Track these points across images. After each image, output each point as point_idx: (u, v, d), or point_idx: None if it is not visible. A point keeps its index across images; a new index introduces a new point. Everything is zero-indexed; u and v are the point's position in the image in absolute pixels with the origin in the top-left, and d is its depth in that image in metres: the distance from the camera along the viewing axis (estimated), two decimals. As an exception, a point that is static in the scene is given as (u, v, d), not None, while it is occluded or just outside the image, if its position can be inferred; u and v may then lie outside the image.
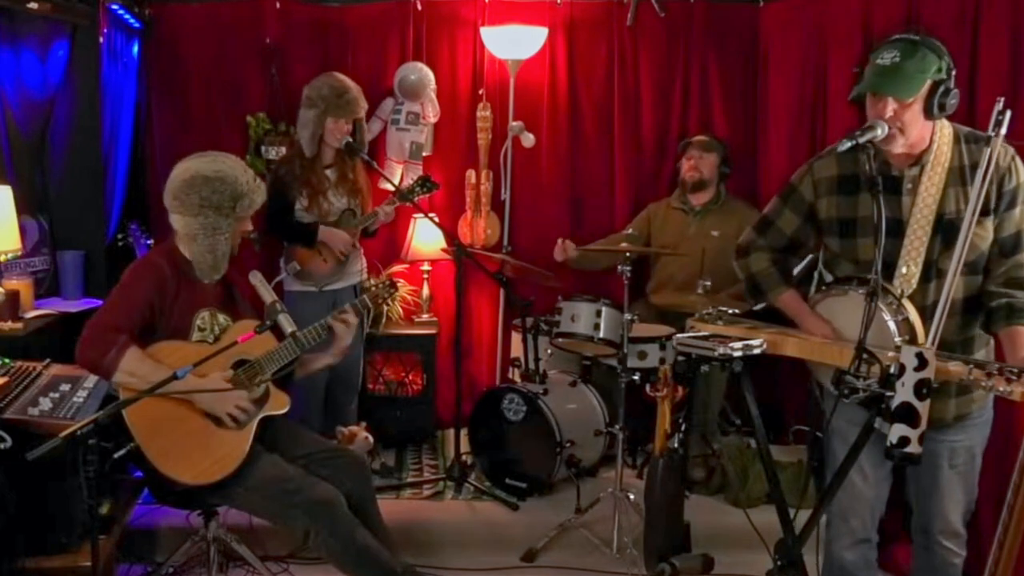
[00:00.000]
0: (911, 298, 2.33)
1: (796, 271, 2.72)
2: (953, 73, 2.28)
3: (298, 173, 3.98)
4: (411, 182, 4.25)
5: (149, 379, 2.56)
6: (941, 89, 2.26)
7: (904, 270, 2.33)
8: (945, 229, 2.33)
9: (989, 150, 2.23)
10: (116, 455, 2.64)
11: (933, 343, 2.18)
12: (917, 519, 2.59)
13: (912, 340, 2.26)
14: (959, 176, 2.35)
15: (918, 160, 2.37)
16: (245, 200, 2.86)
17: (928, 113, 2.29)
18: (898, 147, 2.33)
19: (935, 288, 2.34)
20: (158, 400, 2.68)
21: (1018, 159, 2.36)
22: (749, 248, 2.69)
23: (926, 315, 2.29)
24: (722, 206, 4.43)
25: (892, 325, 2.26)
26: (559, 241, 4.28)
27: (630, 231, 4.46)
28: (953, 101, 2.29)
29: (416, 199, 4.10)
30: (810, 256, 2.74)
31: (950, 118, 2.38)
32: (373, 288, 3.20)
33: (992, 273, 2.38)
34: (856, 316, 2.18)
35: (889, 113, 2.27)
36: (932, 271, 2.35)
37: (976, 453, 2.51)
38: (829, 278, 2.56)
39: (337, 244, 3.98)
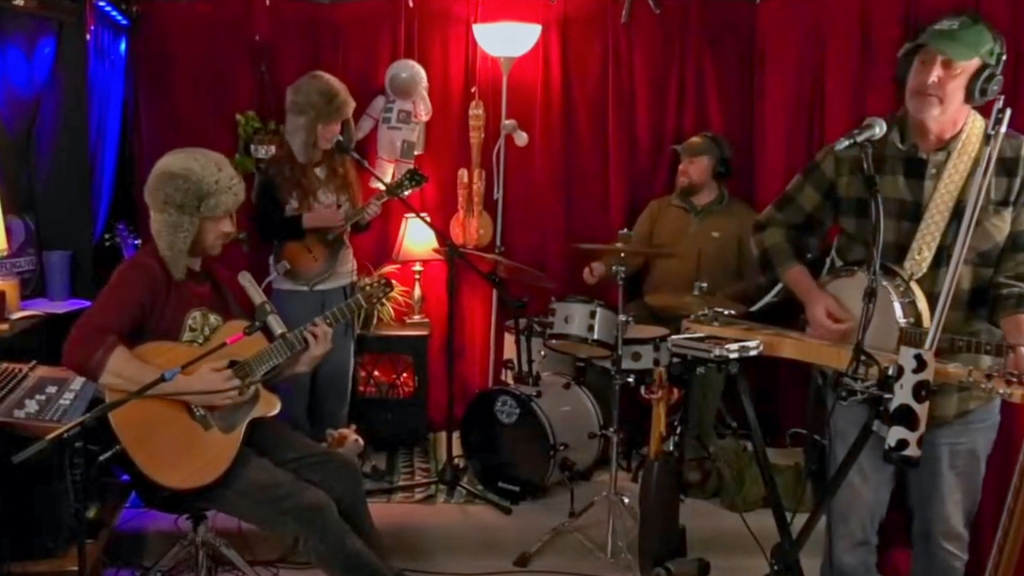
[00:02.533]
0: (921, 283, 2.33)
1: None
2: (1003, 60, 2.29)
3: (288, 175, 3.95)
4: (400, 177, 4.23)
5: (136, 380, 2.51)
6: (986, 73, 2.27)
7: (917, 255, 2.34)
8: (962, 217, 2.31)
9: (989, 149, 2.21)
10: (101, 458, 2.59)
11: (932, 344, 2.15)
12: (918, 522, 2.57)
13: (917, 323, 2.27)
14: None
15: (945, 146, 2.37)
16: (211, 200, 2.78)
17: (969, 94, 2.29)
18: (932, 118, 2.32)
19: (945, 275, 2.32)
20: (145, 402, 2.64)
21: None
22: (766, 223, 2.71)
23: (934, 302, 2.27)
24: (725, 207, 4.40)
25: (898, 306, 2.27)
26: (586, 269, 4.32)
27: (625, 231, 4.43)
28: (995, 87, 2.29)
29: (406, 193, 4.06)
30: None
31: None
32: (368, 288, 3.15)
33: (1002, 266, 2.38)
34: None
35: (934, 78, 2.27)
36: (944, 257, 2.34)
37: (979, 456, 2.49)
38: (840, 264, 2.55)
39: (328, 221, 3.95)
